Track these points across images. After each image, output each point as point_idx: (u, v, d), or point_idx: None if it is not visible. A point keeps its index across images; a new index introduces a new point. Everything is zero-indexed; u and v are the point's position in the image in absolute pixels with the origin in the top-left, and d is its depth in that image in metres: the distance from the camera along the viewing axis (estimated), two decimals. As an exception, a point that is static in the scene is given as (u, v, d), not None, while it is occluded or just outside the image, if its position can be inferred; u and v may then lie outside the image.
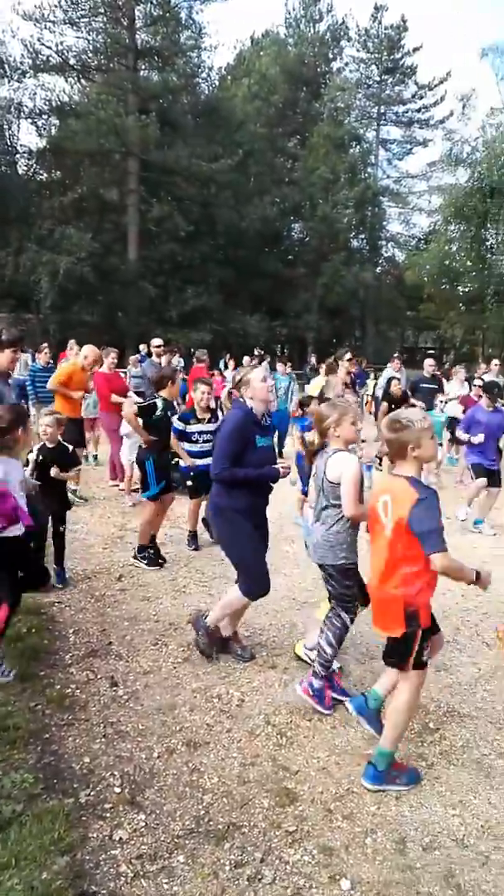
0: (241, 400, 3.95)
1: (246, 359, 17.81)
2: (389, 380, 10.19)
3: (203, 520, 6.41)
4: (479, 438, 7.19)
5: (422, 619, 2.90)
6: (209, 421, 6.25)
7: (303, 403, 6.43)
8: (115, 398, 8.27)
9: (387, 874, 2.51)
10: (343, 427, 3.48)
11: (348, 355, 6.60)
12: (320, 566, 3.61)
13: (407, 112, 41.48)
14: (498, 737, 3.47)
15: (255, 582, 3.94)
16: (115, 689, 3.72)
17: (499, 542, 6.94)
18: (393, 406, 8.73)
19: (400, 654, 2.96)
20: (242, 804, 2.84)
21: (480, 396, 8.05)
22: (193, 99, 33.58)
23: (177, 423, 6.18)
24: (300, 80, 38.98)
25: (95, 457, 9.96)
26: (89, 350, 7.74)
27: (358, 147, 38.99)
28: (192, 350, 21.22)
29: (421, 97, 40.70)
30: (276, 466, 3.91)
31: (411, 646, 2.91)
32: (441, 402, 10.10)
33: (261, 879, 2.45)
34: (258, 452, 3.86)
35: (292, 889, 2.42)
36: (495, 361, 13.28)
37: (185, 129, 31.79)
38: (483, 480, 7.29)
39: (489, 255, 26.87)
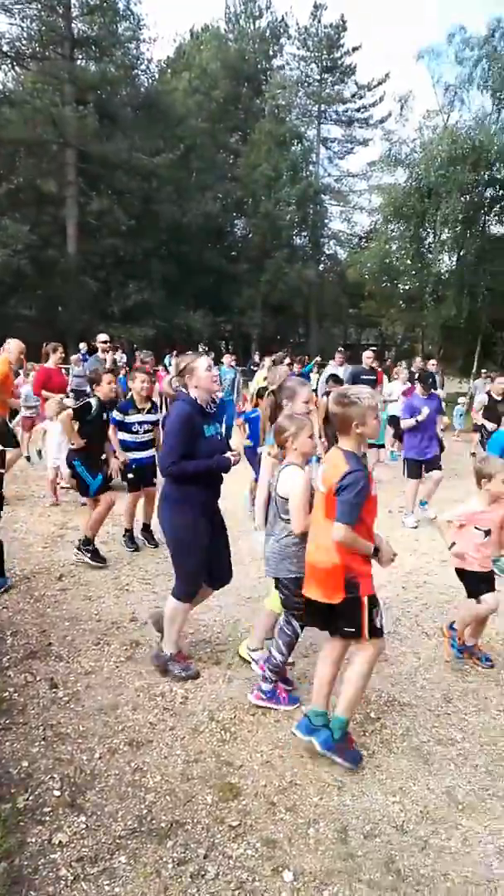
0: (185, 391, 3.81)
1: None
2: (329, 376, 10.31)
3: (145, 525, 6.36)
4: (424, 414, 7.39)
5: (362, 588, 2.98)
6: (149, 411, 6.16)
7: (258, 395, 6.43)
8: (45, 393, 8.07)
9: (329, 863, 2.53)
10: (300, 440, 3.48)
11: (287, 360, 6.65)
12: (275, 578, 3.59)
13: (347, 111, 42.10)
14: (436, 724, 3.55)
15: (185, 581, 3.80)
16: (55, 690, 3.64)
17: (436, 534, 7.09)
18: None
19: (348, 620, 3.00)
20: (186, 801, 2.83)
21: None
22: (133, 91, 33.19)
23: (115, 414, 6.04)
24: (241, 76, 39.06)
25: (30, 457, 9.69)
26: (14, 344, 7.45)
27: (299, 145, 39.30)
28: (135, 346, 20.90)
29: (360, 97, 41.40)
30: (227, 455, 3.78)
31: (359, 612, 2.97)
32: (381, 398, 10.35)
33: (204, 875, 2.44)
34: (207, 442, 3.75)
35: (235, 883, 2.42)
36: (432, 361, 13.75)
37: (125, 121, 31.38)
38: (416, 483, 7.60)
39: (427, 255, 27.41)
